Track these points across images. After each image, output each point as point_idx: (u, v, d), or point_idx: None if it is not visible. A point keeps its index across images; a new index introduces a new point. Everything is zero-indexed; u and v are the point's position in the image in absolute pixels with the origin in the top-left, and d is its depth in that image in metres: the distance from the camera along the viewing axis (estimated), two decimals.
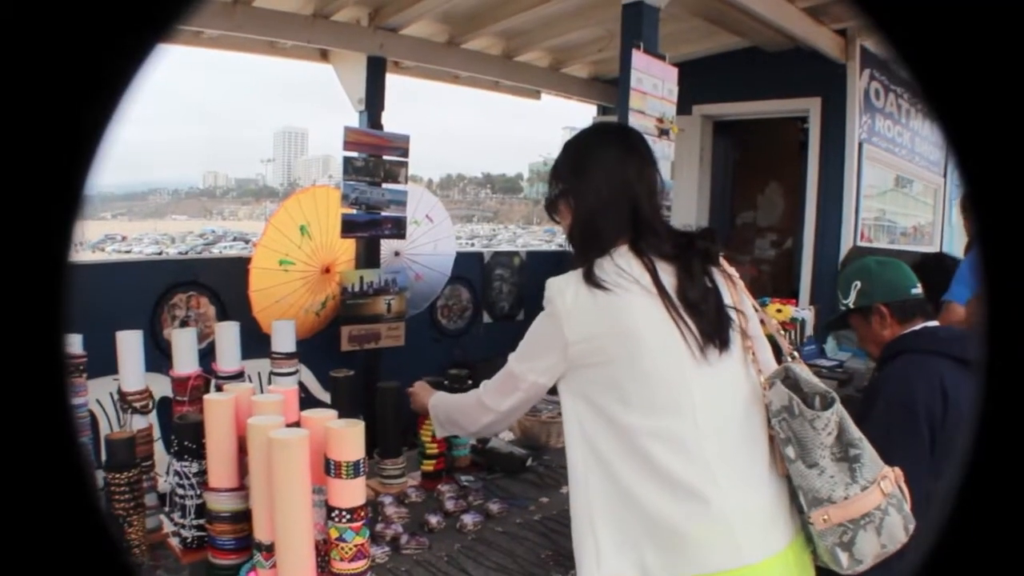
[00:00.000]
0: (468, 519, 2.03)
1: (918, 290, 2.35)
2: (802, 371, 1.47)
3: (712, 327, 1.49)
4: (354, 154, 4.40)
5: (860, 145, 5.11)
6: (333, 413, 1.55)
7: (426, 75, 5.39)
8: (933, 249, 6.25)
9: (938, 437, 2.08)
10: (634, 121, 3.24)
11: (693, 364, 1.45)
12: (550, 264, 6.53)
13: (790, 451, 1.41)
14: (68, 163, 0.46)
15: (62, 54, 0.44)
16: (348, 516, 1.43)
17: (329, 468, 1.41)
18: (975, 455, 0.46)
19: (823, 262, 5.36)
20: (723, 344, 1.50)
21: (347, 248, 4.65)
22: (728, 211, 6.80)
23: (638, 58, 3.17)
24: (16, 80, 0.44)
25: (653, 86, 3.31)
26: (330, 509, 1.45)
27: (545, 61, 5.72)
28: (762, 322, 1.64)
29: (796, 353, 1.57)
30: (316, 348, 4.33)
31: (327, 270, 4.51)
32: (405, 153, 4.68)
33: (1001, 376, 0.45)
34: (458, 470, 2.46)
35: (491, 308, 6.11)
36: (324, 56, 4.88)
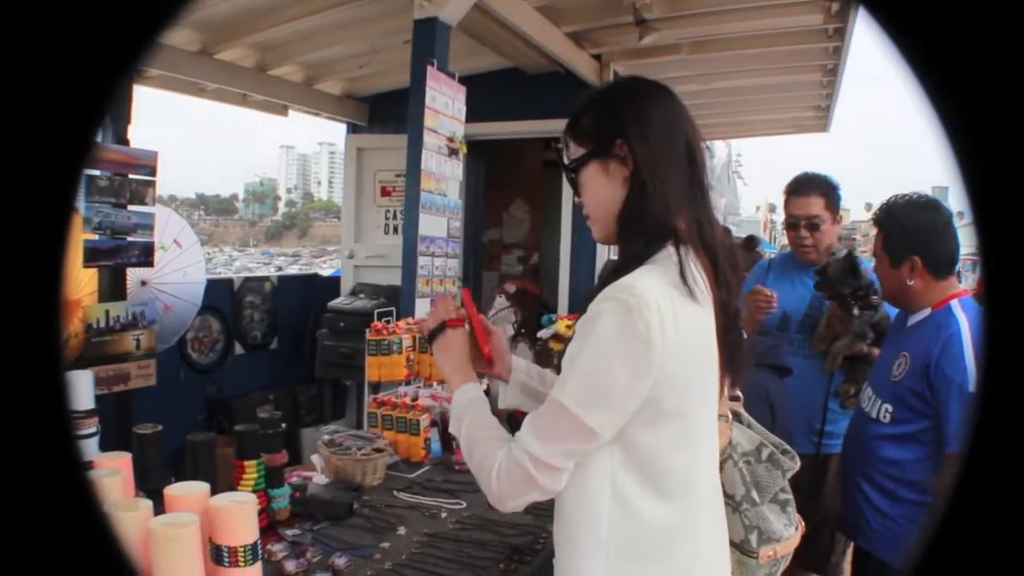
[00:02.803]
0: None
1: None
2: (745, 413, 1.53)
3: (729, 360, 1.38)
4: (97, 172, 3.89)
5: None
6: (202, 485, 1.30)
7: (169, 86, 4.94)
8: None
9: None
10: (427, 140, 3.16)
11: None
12: (303, 289, 6.25)
13: (754, 494, 1.46)
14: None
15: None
16: None
17: (221, 557, 1.17)
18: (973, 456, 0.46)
19: (579, 276, 5.58)
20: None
21: (89, 279, 4.11)
22: (479, 229, 6.89)
23: (432, 75, 3.09)
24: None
25: (445, 104, 3.25)
26: None
27: (298, 76, 5.50)
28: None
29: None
30: None
31: (69, 305, 3.96)
32: (152, 171, 4.21)
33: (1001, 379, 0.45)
34: (280, 524, 2.22)
35: (243, 338, 5.71)
36: None
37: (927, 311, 2.28)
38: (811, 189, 2.97)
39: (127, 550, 0.51)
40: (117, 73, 0.47)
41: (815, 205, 2.94)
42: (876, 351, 2.70)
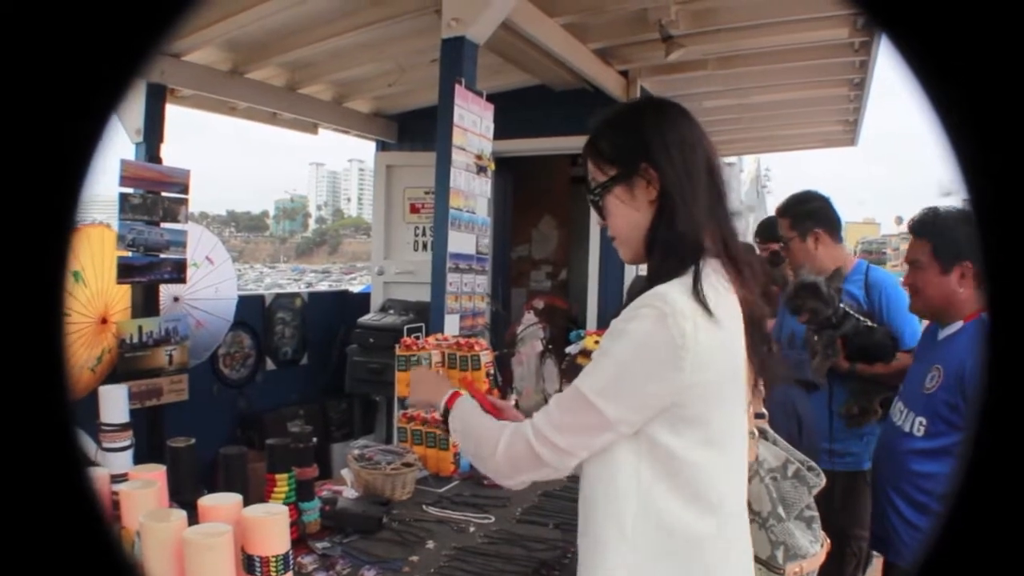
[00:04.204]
0: None
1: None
2: (770, 430, 1.55)
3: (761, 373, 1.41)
4: (131, 190, 3.97)
5: None
6: (235, 497, 1.33)
7: (202, 105, 5.03)
8: None
9: None
10: (455, 158, 3.19)
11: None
12: (332, 305, 6.32)
13: (780, 511, 1.47)
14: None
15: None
16: None
17: (253, 567, 1.20)
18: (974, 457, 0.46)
19: (608, 291, 5.58)
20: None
21: (123, 295, 4.18)
22: (508, 245, 6.91)
23: (460, 94, 3.12)
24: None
25: (473, 122, 3.28)
26: None
27: (328, 94, 5.55)
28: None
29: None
30: (89, 409, 3.84)
31: (104, 320, 4.02)
32: (185, 189, 4.30)
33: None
34: (310, 536, 2.24)
35: (274, 354, 5.77)
36: None
37: (959, 324, 2.27)
38: (780, 211, 3.15)
39: (124, 552, 0.53)
40: (118, 79, 0.47)
41: (783, 226, 3.10)
42: (864, 366, 2.76)
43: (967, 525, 0.45)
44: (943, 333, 2.31)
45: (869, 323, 2.81)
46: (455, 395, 1.57)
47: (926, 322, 2.54)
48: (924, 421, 2.22)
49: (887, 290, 2.99)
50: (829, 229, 3.02)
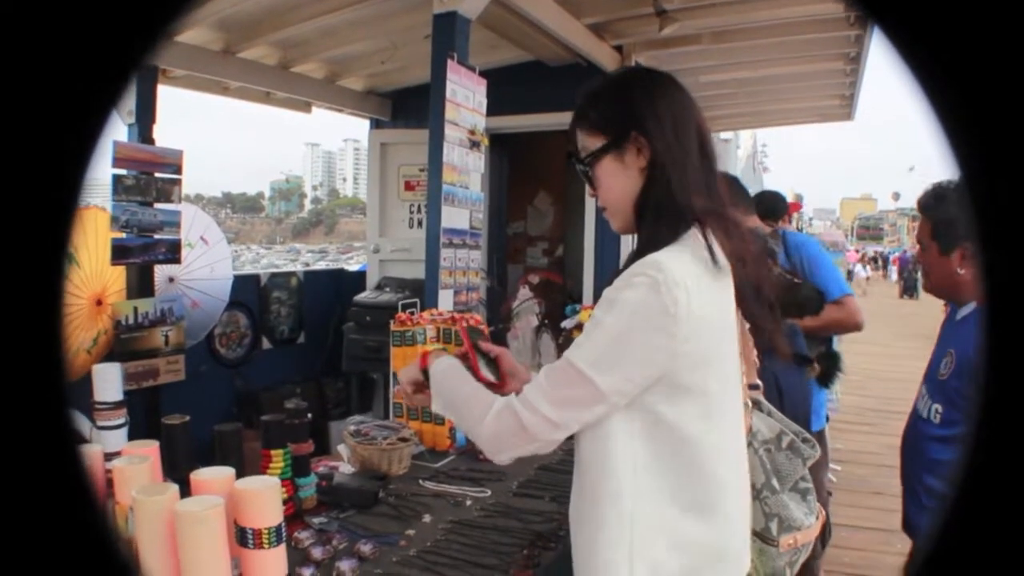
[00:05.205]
0: (344, 566, 1.84)
1: None
2: (765, 401, 1.55)
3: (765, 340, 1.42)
4: (124, 171, 3.95)
5: None
6: (227, 470, 1.33)
7: (194, 85, 5.00)
8: None
9: None
10: (448, 133, 3.17)
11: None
12: (329, 284, 6.31)
13: (774, 482, 1.47)
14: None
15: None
16: None
17: (245, 539, 1.20)
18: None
19: (604, 267, 5.58)
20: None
21: (118, 276, 4.17)
22: (503, 222, 6.91)
23: (452, 68, 3.10)
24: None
25: (465, 97, 3.26)
26: None
27: (321, 73, 5.52)
28: None
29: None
30: (84, 390, 3.84)
31: (99, 302, 4.02)
32: (178, 170, 4.27)
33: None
34: (307, 512, 2.25)
35: (270, 333, 5.77)
36: None
37: (972, 305, 2.22)
38: None
39: (115, 534, 0.52)
40: (126, 66, 0.47)
41: None
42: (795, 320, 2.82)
43: (969, 515, 0.44)
44: (960, 314, 2.28)
45: (795, 280, 2.89)
46: (425, 355, 1.56)
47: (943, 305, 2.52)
48: (940, 408, 2.19)
49: (804, 248, 3.14)
50: (742, 203, 3.08)
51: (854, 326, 3.13)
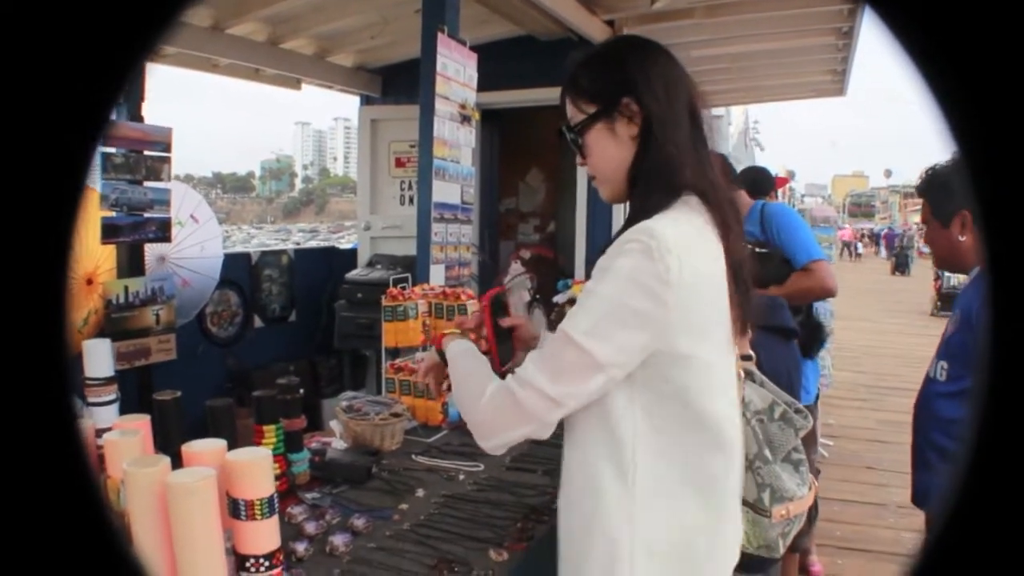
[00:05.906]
0: (338, 540, 1.84)
1: None
2: (757, 372, 1.55)
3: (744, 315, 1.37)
4: (112, 149, 3.91)
5: None
6: (218, 442, 1.32)
7: (183, 63, 4.95)
8: None
9: None
10: (439, 107, 3.15)
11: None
12: (320, 262, 6.29)
13: (767, 453, 1.47)
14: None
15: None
16: (267, 563, 1.22)
17: (238, 510, 1.19)
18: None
19: (596, 242, 5.57)
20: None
21: (108, 256, 4.14)
22: (495, 198, 6.88)
23: (442, 42, 3.07)
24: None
25: (456, 71, 3.24)
26: (242, 558, 1.22)
27: (311, 49, 5.48)
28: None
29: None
30: (74, 369, 3.82)
31: (89, 281, 3.99)
32: (167, 148, 4.22)
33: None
34: (300, 487, 2.25)
35: (262, 311, 5.76)
36: None
37: (975, 271, 2.29)
38: None
39: (113, 518, 0.52)
40: (134, 52, 0.46)
41: None
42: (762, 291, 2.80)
43: (983, 475, 0.44)
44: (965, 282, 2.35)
45: (764, 250, 2.94)
46: (440, 337, 1.56)
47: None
48: (945, 365, 2.24)
49: (776, 217, 3.14)
50: (728, 179, 3.11)
51: (823, 292, 3.09)
